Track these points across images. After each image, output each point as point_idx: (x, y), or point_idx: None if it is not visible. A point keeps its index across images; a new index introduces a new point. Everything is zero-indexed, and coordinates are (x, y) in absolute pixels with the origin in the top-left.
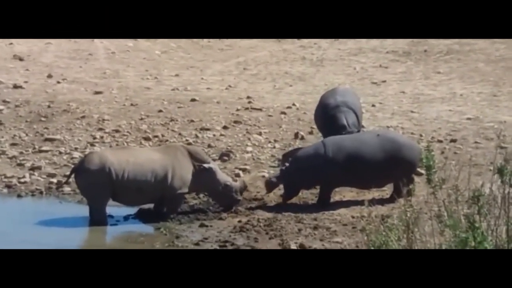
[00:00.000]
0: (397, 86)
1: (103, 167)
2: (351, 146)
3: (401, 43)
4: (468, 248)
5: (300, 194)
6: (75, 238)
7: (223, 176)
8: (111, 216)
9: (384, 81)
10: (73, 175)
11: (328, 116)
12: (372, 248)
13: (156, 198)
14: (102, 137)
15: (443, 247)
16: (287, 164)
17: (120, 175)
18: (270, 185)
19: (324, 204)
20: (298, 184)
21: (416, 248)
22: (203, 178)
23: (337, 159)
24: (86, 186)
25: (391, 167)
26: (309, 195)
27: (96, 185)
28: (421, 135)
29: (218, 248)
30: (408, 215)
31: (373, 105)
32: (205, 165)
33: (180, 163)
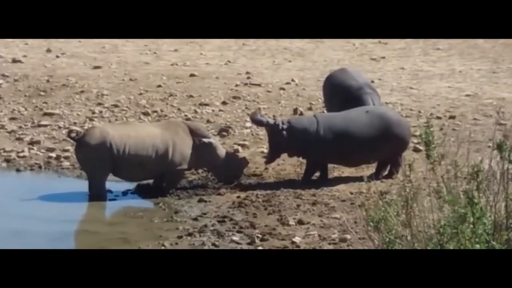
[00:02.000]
0: (396, 62)
1: (104, 142)
2: (341, 123)
3: None
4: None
5: (298, 170)
6: (74, 213)
7: (224, 151)
8: (110, 191)
9: (383, 57)
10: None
11: (353, 98)
12: (371, 223)
13: (156, 174)
14: (101, 112)
15: (442, 223)
16: (281, 122)
17: (121, 149)
18: (255, 118)
19: (307, 181)
20: (283, 149)
21: (415, 223)
22: (204, 153)
23: (327, 136)
24: (86, 161)
25: (381, 144)
26: None
27: (97, 159)
28: (420, 112)
29: (216, 223)
30: (407, 190)
31: (372, 81)
32: (205, 140)
33: (181, 138)
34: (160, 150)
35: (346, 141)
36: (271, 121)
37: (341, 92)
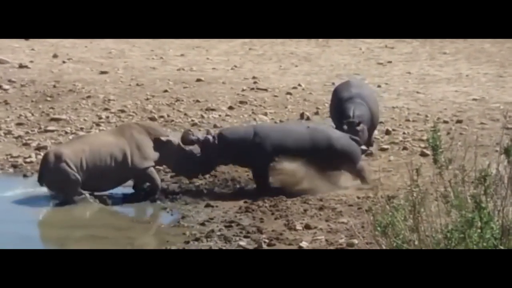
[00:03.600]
0: (403, 66)
1: (60, 163)
2: (277, 136)
3: None
4: (472, 234)
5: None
6: (81, 218)
7: (183, 148)
8: (111, 197)
9: (390, 62)
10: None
11: (340, 109)
12: (379, 228)
13: (123, 180)
14: (107, 117)
15: (449, 227)
16: (210, 136)
17: (79, 166)
18: (187, 139)
19: (264, 189)
20: (217, 160)
21: (422, 228)
22: (162, 151)
23: (263, 147)
24: (52, 185)
25: (318, 159)
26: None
27: (60, 181)
28: (426, 116)
29: (223, 228)
30: (415, 195)
31: (378, 86)
32: (163, 138)
33: (137, 140)
34: (118, 157)
35: (281, 152)
36: (202, 137)
37: (335, 104)
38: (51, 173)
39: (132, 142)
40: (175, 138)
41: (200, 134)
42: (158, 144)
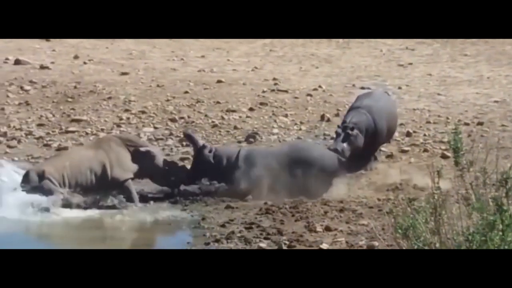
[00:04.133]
0: (424, 68)
1: (42, 181)
2: (259, 157)
3: None
4: (494, 234)
5: None
6: (101, 219)
7: (162, 160)
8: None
9: (411, 63)
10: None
11: (345, 115)
12: (400, 230)
13: (103, 192)
14: (128, 118)
15: (471, 230)
16: (210, 147)
17: (61, 181)
18: (188, 134)
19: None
20: (205, 173)
21: (443, 230)
22: (142, 162)
23: (245, 169)
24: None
25: (299, 177)
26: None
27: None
28: (447, 118)
29: (243, 229)
30: (436, 197)
31: (399, 88)
32: (142, 149)
33: (115, 153)
34: (98, 171)
35: (264, 173)
36: (201, 142)
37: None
38: (35, 191)
39: (110, 154)
40: (155, 149)
41: (200, 140)
42: (138, 155)
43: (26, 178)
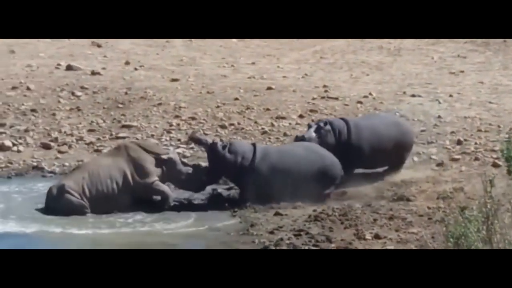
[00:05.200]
0: (475, 76)
1: (63, 195)
2: (276, 157)
3: None
4: None
5: (375, 184)
6: (151, 224)
7: (183, 165)
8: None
9: (462, 71)
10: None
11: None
12: (451, 239)
13: (130, 198)
14: (178, 124)
15: None
16: (222, 142)
17: (81, 192)
18: (194, 137)
19: (243, 204)
20: (223, 171)
21: (495, 239)
22: (165, 169)
23: (261, 168)
24: (61, 215)
25: (314, 180)
26: (384, 185)
27: (68, 211)
28: (499, 126)
29: (292, 236)
30: (488, 206)
31: (450, 95)
32: (163, 156)
33: (134, 158)
34: (118, 178)
35: (279, 173)
36: (209, 140)
37: None
38: (57, 205)
39: (130, 160)
40: (175, 155)
41: (208, 138)
42: (159, 162)
43: (49, 195)
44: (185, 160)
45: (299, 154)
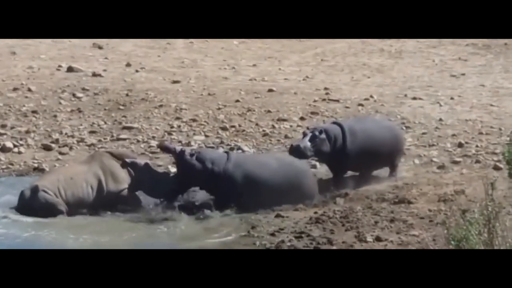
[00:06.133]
0: (476, 79)
1: (37, 193)
2: (250, 166)
3: None
4: None
5: (377, 186)
6: (152, 227)
7: (157, 173)
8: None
9: (463, 74)
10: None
11: None
12: (453, 242)
13: (101, 205)
14: (179, 126)
15: None
16: (190, 150)
17: (57, 193)
18: (162, 145)
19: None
20: (194, 181)
21: (497, 242)
22: (132, 174)
23: (235, 175)
24: (39, 214)
25: (286, 191)
26: (385, 187)
27: (45, 209)
28: (500, 129)
29: (293, 238)
30: (489, 209)
31: (451, 98)
32: (127, 160)
33: (108, 166)
34: (93, 183)
35: (253, 183)
36: (178, 148)
37: None
38: (32, 205)
39: (104, 167)
40: (143, 161)
41: (177, 146)
42: (124, 167)
43: (21, 197)
44: (156, 168)
45: (274, 166)
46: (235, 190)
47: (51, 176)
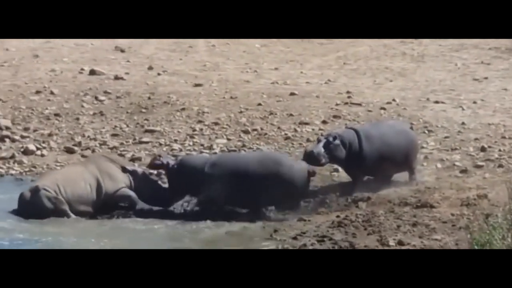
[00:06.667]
0: (499, 83)
1: (38, 193)
2: (231, 164)
3: (504, 40)
4: None
5: (399, 190)
6: (175, 229)
7: (150, 180)
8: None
9: (486, 78)
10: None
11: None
12: (476, 246)
13: (100, 203)
14: (201, 129)
15: None
16: (172, 161)
17: (58, 191)
18: (152, 164)
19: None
20: (182, 189)
21: None
22: (132, 182)
23: (215, 175)
24: (43, 215)
25: (271, 187)
26: (407, 191)
27: (47, 208)
28: None
29: (315, 242)
30: None
31: (474, 102)
32: (128, 167)
33: (105, 168)
34: (92, 182)
35: (234, 182)
36: (164, 161)
37: None
38: (33, 205)
39: (102, 168)
40: (142, 170)
41: (168, 159)
42: (125, 172)
43: (21, 200)
44: (153, 177)
45: (250, 159)
46: (216, 189)
47: (49, 176)
